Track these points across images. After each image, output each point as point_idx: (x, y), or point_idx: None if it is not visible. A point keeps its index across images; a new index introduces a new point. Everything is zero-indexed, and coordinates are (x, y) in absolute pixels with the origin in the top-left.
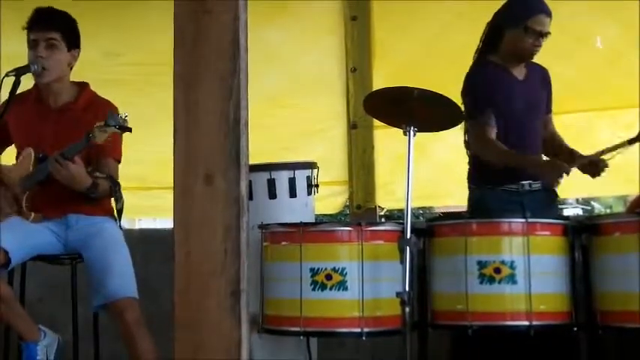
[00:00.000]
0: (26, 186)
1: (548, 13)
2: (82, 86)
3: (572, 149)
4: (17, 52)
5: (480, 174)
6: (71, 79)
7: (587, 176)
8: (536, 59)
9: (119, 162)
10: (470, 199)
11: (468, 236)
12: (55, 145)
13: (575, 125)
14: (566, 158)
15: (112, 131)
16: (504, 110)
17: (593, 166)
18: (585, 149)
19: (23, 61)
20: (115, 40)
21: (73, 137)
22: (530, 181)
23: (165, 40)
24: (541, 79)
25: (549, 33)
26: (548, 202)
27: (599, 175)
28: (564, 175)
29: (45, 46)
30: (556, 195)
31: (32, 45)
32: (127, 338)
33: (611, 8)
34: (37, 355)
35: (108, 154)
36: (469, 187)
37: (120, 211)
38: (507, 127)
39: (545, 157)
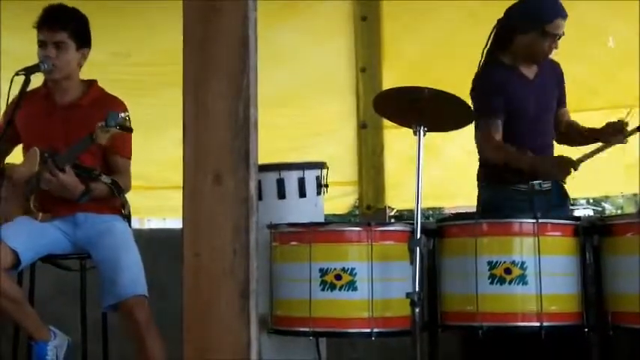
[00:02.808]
0: (33, 186)
1: (565, 16)
2: (90, 83)
3: (593, 128)
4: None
5: (490, 173)
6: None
7: (597, 175)
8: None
9: (129, 159)
10: (479, 198)
11: (479, 237)
12: (64, 142)
13: (589, 124)
14: (589, 139)
15: (113, 132)
16: (515, 111)
17: (618, 131)
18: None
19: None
20: (123, 40)
21: (81, 134)
22: (540, 181)
23: (174, 40)
24: (552, 74)
25: (564, 33)
26: (559, 203)
27: (626, 137)
28: (572, 170)
29: (53, 47)
30: (567, 196)
31: (41, 45)
32: (136, 337)
33: (625, 7)
34: (47, 354)
35: (117, 152)
36: (478, 186)
37: (127, 217)
38: (519, 128)
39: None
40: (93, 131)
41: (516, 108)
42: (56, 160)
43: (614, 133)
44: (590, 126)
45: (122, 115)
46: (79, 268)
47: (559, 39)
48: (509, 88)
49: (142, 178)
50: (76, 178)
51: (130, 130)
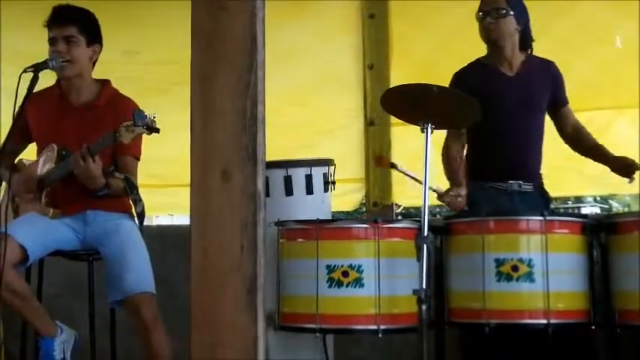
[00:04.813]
0: (46, 182)
1: None
2: (104, 83)
3: (605, 150)
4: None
5: (471, 170)
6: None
7: (605, 173)
8: (554, 56)
9: (138, 160)
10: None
11: (486, 234)
12: (77, 142)
13: (594, 123)
14: (597, 157)
15: (139, 131)
16: (491, 108)
17: (627, 167)
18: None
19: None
20: (134, 38)
21: (94, 135)
22: (521, 182)
23: (184, 39)
24: (542, 73)
25: (500, 9)
26: (540, 205)
27: (631, 175)
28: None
29: (64, 42)
30: (549, 198)
31: (51, 42)
32: (142, 333)
33: (630, 6)
34: (54, 350)
35: (127, 152)
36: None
37: (140, 215)
38: (497, 124)
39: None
40: (117, 129)
41: (491, 102)
42: (91, 148)
43: (623, 169)
44: (600, 128)
45: (150, 115)
46: (87, 264)
47: (494, 15)
48: (481, 84)
49: (153, 177)
50: (101, 170)
51: (157, 130)
